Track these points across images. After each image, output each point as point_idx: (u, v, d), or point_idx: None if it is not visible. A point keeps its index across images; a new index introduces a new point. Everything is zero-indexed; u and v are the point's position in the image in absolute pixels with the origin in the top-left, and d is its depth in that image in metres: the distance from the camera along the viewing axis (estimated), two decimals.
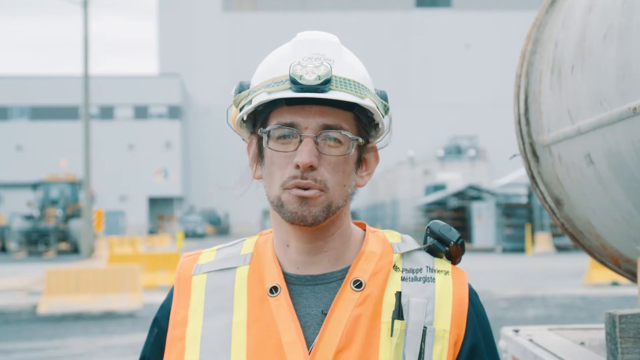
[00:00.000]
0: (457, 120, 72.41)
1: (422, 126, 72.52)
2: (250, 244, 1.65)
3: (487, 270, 23.16)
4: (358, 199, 72.42)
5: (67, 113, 64.85)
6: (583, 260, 23.33)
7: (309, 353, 1.51)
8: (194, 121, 72.89)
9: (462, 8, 76.12)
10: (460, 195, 41.17)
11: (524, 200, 36.92)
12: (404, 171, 56.06)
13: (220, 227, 67.82)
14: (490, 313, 13.36)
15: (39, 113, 65.37)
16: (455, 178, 48.98)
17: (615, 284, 17.45)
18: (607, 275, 17.46)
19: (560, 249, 32.54)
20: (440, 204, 41.98)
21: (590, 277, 18.04)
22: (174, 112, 66.75)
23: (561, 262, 26.28)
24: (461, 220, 39.57)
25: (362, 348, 1.51)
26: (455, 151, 58.47)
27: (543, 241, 33.04)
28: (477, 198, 40.17)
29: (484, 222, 36.22)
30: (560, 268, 23.63)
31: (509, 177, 41.22)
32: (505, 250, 34.43)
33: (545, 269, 23.47)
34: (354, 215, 62.40)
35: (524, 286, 17.97)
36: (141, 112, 66.38)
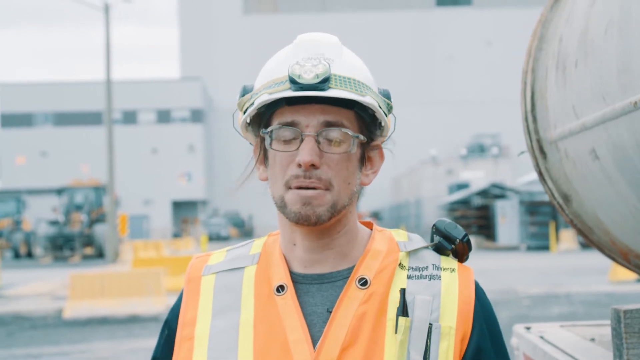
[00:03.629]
0: (480, 118, 72.15)
1: (445, 125, 72.37)
2: (259, 244, 1.67)
3: (512, 268, 23.05)
4: (382, 199, 72.53)
5: (90, 118, 65.37)
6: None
7: (315, 351, 1.51)
8: (217, 124, 73.16)
9: (482, 6, 75.86)
10: (483, 193, 41.03)
11: (547, 197, 36.68)
12: (427, 170, 55.99)
13: (244, 230, 68.00)
14: (514, 311, 13.30)
15: (63, 119, 65.94)
16: (478, 176, 48.87)
17: None
18: (632, 272, 17.31)
19: (585, 246, 32.29)
20: (464, 202, 41.86)
21: (615, 274, 17.90)
22: (197, 116, 67.05)
23: (586, 259, 26.10)
24: (485, 218, 39.44)
25: (368, 345, 1.51)
26: (478, 149, 58.24)
27: (567, 238, 32.84)
28: (501, 196, 40.01)
29: (508, 221, 36.06)
30: (585, 265, 23.48)
31: (533, 174, 40.98)
32: (529, 248, 34.26)
33: (570, 267, 23.33)
34: (377, 216, 62.37)
35: (548, 284, 17.87)
36: (164, 116, 66.75)
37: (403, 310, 1.53)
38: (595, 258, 25.55)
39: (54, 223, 36.44)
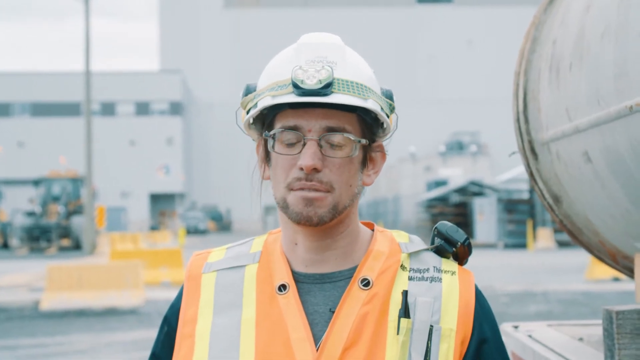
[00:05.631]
0: (459, 115, 72.43)
1: (424, 122, 72.57)
2: (260, 243, 1.68)
3: (489, 265, 23.18)
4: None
5: (68, 109, 64.93)
6: (585, 256, 23.33)
7: (317, 350, 1.53)
8: (196, 117, 72.95)
9: (463, 4, 76.11)
10: (462, 191, 41.19)
11: (525, 195, 36.94)
12: (406, 167, 56.09)
13: (222, 224, 67.92)
14: (492, 309, 13.36)
15: (41, 109, 65.45)
16: (456, 174, 49.06)
17: (616, 279, 17.47)
18: (608, 270, 17.47)
19: (561, 244, 32.57)
20: (442, 199, 42.00)
21: (591, 273, 18.05)
22: (176, 109, 66.80)
23: (563, 257, 26.29)
24: (463, 216, 39.60)
25: (369, 346, 1.53)
26: (456, 147, 58.42)
27: (545, 237, 33.07)
28: (479, 194, 40.20)
29: (486, 218, 36.24)
30: (561, 264, 23.65)
31: (511, 172, 41.24)
32: (507, 246, 34.46)
33: (547, 265, 23.49)
34: None
35: (525, 282, 17.99)
36: (142, 109, 66.44)
37: (405, 312, 1.55)
38: (572, 256, 25.76)
39: (30, 214, 36.17)
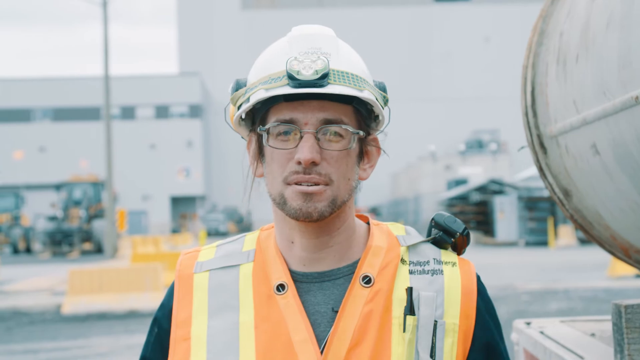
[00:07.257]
0: (478, 114, 72.16)
1: (443, 121, 72.39)
2: (252, 240, 1.63)
3: (510, 264, 23.07)
4: (380, 195, 72.52)
5: (89, 114, 65.32)
6: (607, 253, 23.12)
7: (321, 351, 1.49)
8: (215, 120, 73.13)
9: (481, 1, 75.85)
10: (482, 189, 41.04)
11: (546, 193, 36.64)
12: (426, 166, 55.98)
13: (242, 225, 68.01)
14: (513, 307, 13.31)
15: (62, 114, 65.89)
16: (477, 172, 48.89)
17: (639, 276, 17.32)
18: (631, 267, 17.30)
19: (583, 241, 32.33)
20: (463, 198, 41.87)
21: (614, 270, 17.91)
22: (195, 111, 67.01)
23: (584, 254, 26.11)
24: (483, 214, 39.46)
25: (374, 344, 1.50)
26: (476, 145, 58.23)
27: (566, 234, 32.87)
28: (499, 192, 40.03)
29: (507, 216, 36.07)
30: (583, 261, 23.49)
31: (531, 170, 41.00)
32: (528, 244, 34.29)
33: (569, 262, 23.34)
34: (376, 212, 62.36)
35: (546, 280, 17.88)
36: (162, 112, 66.71)
37: (410, 309, 1.52)
38: (594, 254, 25.56)
39: (52, 218, 36.41)
